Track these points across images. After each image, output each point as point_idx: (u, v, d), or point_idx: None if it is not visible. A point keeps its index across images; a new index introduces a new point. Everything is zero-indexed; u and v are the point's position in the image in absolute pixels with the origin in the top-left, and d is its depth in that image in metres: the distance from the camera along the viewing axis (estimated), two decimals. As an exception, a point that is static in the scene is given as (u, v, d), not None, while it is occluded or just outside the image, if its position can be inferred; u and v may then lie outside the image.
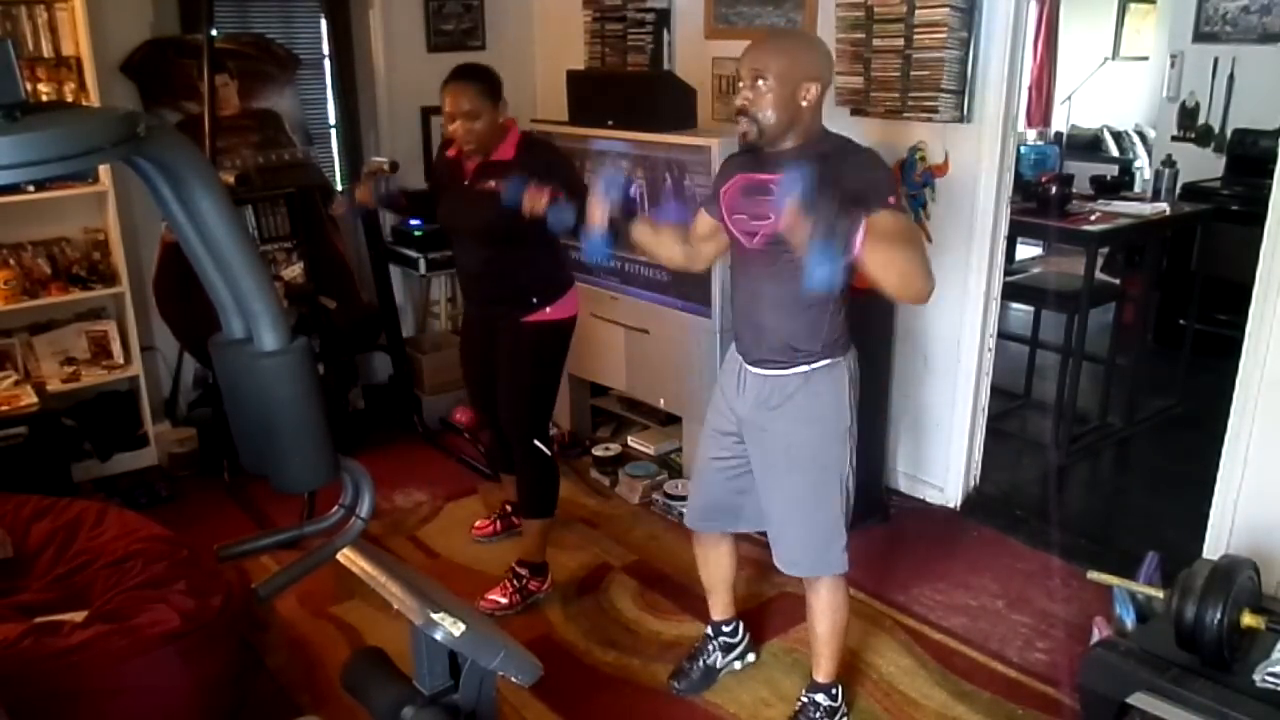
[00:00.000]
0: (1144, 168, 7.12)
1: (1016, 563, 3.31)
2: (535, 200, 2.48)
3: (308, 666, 2.79)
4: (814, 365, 2.25)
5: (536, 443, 3.01)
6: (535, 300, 2.89)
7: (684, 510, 2.65)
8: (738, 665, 2.76)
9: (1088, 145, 7.55)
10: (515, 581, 3.07)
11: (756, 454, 2.36)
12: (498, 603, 3.03)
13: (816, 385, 2.26)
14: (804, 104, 2.12)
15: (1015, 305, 4.77)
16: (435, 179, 3.13)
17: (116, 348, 3.85)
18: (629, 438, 4.03)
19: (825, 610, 2.44)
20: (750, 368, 2.32)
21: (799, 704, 2.54)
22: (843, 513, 2.35)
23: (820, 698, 2.51)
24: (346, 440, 4.02)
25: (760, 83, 2.09)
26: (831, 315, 2.24)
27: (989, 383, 3.61)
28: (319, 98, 4.52)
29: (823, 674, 2.51)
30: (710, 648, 2.74)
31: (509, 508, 3.49)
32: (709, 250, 2.47)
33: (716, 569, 2.68)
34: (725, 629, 2.75)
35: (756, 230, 2.19)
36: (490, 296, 2.97)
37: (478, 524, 3.52)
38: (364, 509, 1.45)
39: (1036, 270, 4.79)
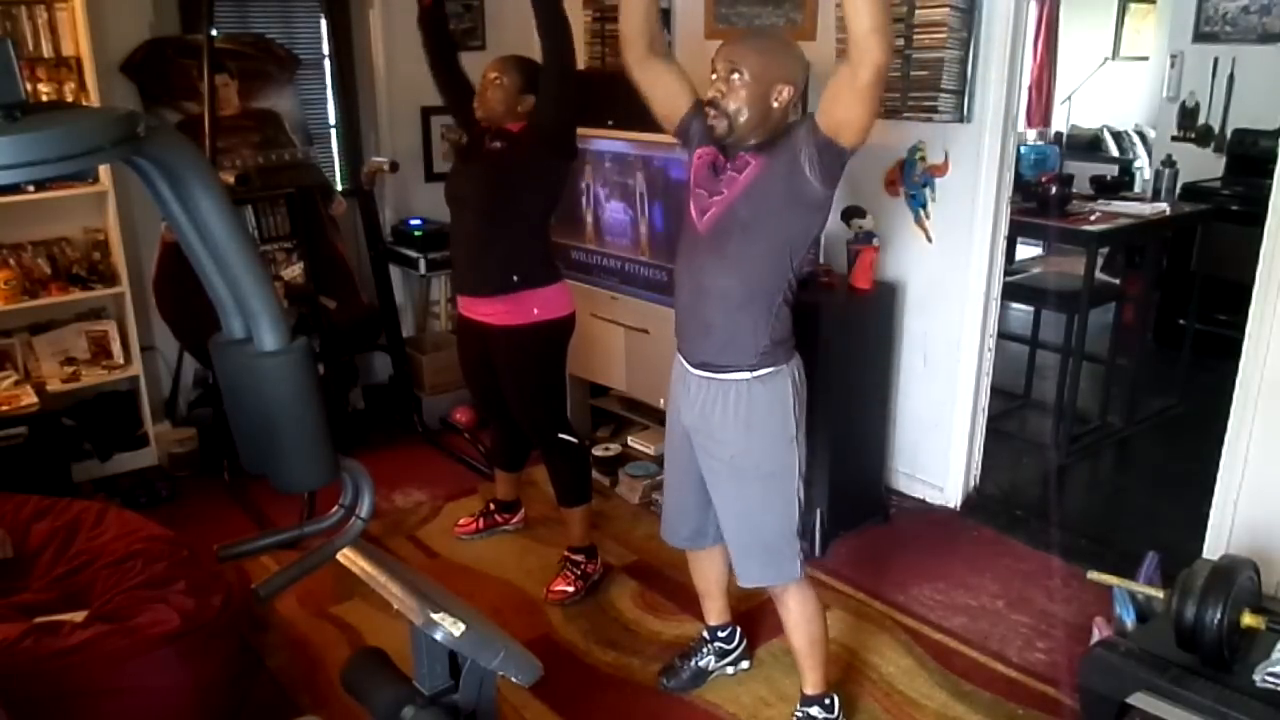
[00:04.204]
0: (1144, 168, 7.12)
1: (1016, 563, 3.31)
2: None
3: (308, 666, 2.79)
4: (756, 373, 2.21)
5: (562, 436, 3.08)
6: (516, 279, 2.90)
7: (663, 506, 2.65)
8: (730, 670, 2.75)
9: (1088, 145, 7.54)
10: (574, 570, 3.14)
11: (703, 462, 2.34)
12: (566, 592, 3.09)
13: (758, 392, 2.23)
14: (775, 105, 2.12)
15: (1015, 305, 4.77)
16: (469, 120, 3.10)
17: (116, 348, 3.85)
18: (629, 438, 4.03)
19: (799, 623, 2.42)
20: (693, 370, 2.30)
21: (794, 719, 2.52)
22: (795, 521, 2.32)
23: (815, 710, 2.49)
24: (346, 440, 4.02)
25: (735, 77, 2.08)
26: (775, 313, 2.20)
27: (989, 383, 3.61)
28: (319, 98, 4.52)
29: (810, 686, 2.49)
30: (704, 650, 2.74)
31: (493, 505, 3.53)
32: (658, 91, 2.28)
33: (709, 572, 2.66)
34: (721, 634, 2.74)
35: (710, 207, 2.18)
36: (476, 271, 2.98)
37: (461, 521, 3.54)
38: (364, 509, 1.45)
39: (1036, 270, 4.79)
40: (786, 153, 2.09)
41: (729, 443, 2.27)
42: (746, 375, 2.22)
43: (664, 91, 2.30)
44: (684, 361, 2.33)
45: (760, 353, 2.20)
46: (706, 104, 2.13)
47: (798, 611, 2.41)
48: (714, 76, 2.12)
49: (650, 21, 2.26)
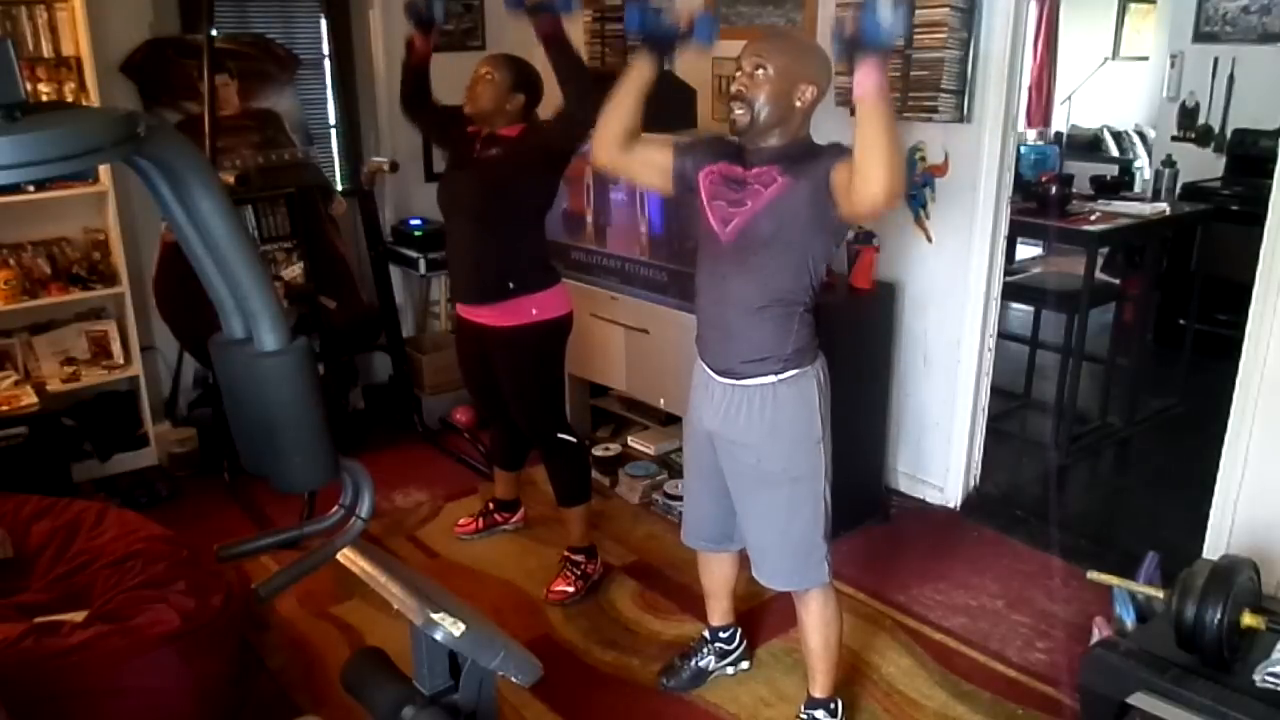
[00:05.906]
0: (1144, 168, 7.12)
1: (1016, 563, 3.31)
2: None
3: (308, 666, 2.79)
4: (781, 376, 2.21)
5: (560, 435, 3.08)
6: (512, 285, 2.90)
7: (684, 510, 2.65)
8: (730, 670, 2.75)
9: (1088, 145, 7.55)
10: (574, 570, 3.14)
11: (728, 468, 2.33)
12: (566, 592, 3.09)
13: (784, 396, 2.22)
14: (798, 104, 2.12)
15: (1015, 305, 4.76)
16: (454, 122, 3.07)
17: (116, 348, 3.85)
18: (629, 438, 4.03)
19: (817, 624, 2.41)
20: (716, 378, 2.28)
21: None
22: (821, 524, 2.31)
23: (820, 714, 2.49)
24: (346, 440, 4.02)
25: (760, 72, 2.09)
26: (798, 320, 2.20)
27: (989, 383, 3.61)
28: (319, 98, 4.52)
29: (819, 689, 2.49)
30: (705, 650, 2.74)
31: (492, 505, 3.53)
32: (639, 164, 2.32)
33: (719, 574, 2.66)
34: (722, 635, 2.75)
35: (733, 218, 2.17)
36: (472, 279, 2.98)
37: (461, 521, 3.54)
38: (364, 509, 1.45)
39: (1036, 270, 4.80)
40: (813, 176, 2.07)
41: (754, 447, 2.26)
42: (770, 379, 2.21)
43: (646, 167, 2.33)
44: (706, 368, 2.32)
45: (783, 359, 2.20)
46: (731, 98, 2.14)
47: (818, 613, 2.40)
48: (739, 72, 2.13)
49: (635, 127, 2.28)
